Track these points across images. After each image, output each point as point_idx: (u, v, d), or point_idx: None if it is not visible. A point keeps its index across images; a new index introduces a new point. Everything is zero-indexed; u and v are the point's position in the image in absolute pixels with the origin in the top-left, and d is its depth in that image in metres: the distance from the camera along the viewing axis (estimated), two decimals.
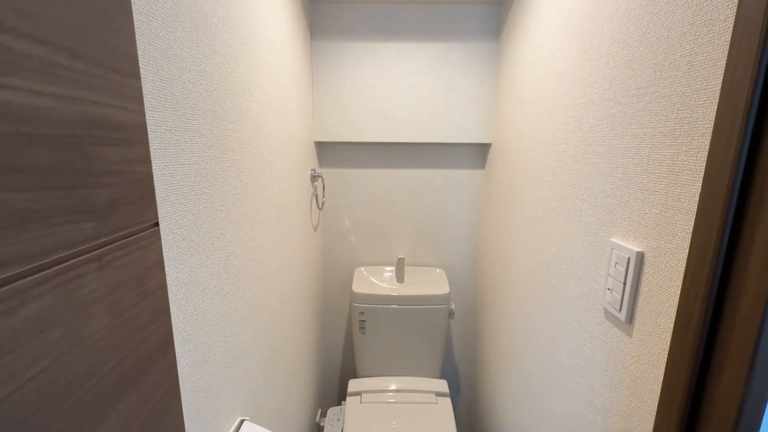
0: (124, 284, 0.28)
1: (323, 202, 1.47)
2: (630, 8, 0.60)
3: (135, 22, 0.41)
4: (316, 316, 1.53)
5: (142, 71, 0.43)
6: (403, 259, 1.48)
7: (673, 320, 0.46)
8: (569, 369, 0.77)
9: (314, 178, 1.38)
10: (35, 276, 0.20)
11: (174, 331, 0.49)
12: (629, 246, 0.58)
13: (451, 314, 1.46)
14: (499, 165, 1.33)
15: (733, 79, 0.36)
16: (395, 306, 1.41)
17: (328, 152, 1.52)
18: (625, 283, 0.59)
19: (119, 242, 0.27)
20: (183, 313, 0.52)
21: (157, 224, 0.32)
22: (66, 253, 0.22)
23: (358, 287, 1.44)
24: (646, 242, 0.55)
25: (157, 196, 0.46)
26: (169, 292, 0.48)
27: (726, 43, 0.41)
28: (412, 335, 1.45)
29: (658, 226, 0.53)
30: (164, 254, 0.48)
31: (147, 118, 0.44)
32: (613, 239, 0.63)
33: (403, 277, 1.51)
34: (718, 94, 0.42)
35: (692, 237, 0.42)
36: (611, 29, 0.65)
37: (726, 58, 0.40)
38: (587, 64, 0.73)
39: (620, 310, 0.60)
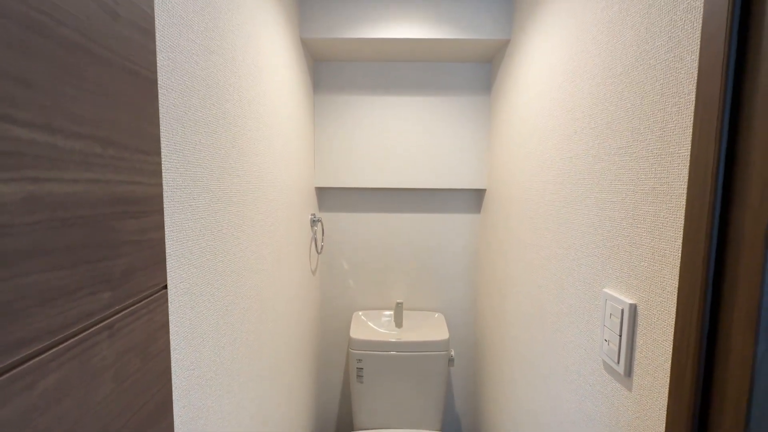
0: (131, 349, 0.29)
1: (322, 246, 1.49)
2: (606, 77, 0.66)
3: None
4: (313, 364, 1.49)
5: (162, 139, 0.46)
6: (401, 303, 1.47)
7: (669, 376, 0.47)
8: (572, 425, 0.75)
9: (314, 222, 1.41)
10: (54, 350, 0.22)
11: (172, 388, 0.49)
12: (622, 297, 0.59)
13: (451, 361, 1.42)
14: (494, 210, 1.37)
15: (699, 150, 0.39)
16: (394, 353, 1.38)
17: (328, 197, 1.56)
18: (621, 335, 0.59)
19: (131, 308, 0.29)
20: (180, 368, 0.52)
21: (165, 287, 0.34)
22: (83, 325, 0.24)
23: (356, 333, 1.42)
24: (638, 294, 0.57)
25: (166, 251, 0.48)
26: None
27: (692, 114, 0.45)
28: (412, 384, 1.41)
29: (647, 279, 0.54)
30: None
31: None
32: (607, 290, 0.64)
33: (401, 322, 1.50)
34: (688, 160, 0.45)
35: (678, 293, 0.43)
36: (590, 94, 0.71)
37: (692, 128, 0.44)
38: (571, 123, 0.78)
39: (618, 362, 0.60)
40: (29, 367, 0.20)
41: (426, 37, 1.21)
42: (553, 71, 0.88)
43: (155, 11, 0.45)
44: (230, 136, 0.68)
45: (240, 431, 0.73)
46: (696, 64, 0.45)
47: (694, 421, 0.40)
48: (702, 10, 0.43)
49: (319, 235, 1.50)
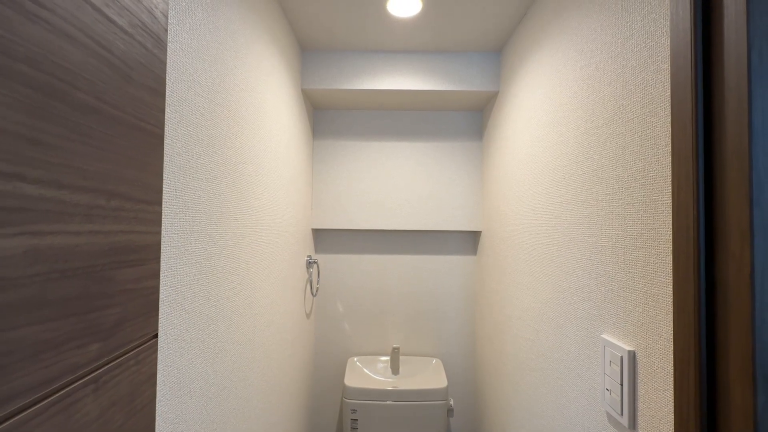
0: (115, 403, 0.28)
1: (317, 288, 1.47)
2: (589, 128, 0.70)
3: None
4: (305, 413, 1.41)
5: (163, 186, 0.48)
6: (398, 348, 1.43)
7: (673, 427, 0.45)
8: None
9: (309, 264, 1.40)
10: (36, 407, 0.21)
11: None
12: (621, 344, 0.59)
13: (450, 411, 1.36)
14: (489, 252, 1.37)
15: (679, 200, 0.41)
16: (390, 402, 1.32)
17: (325, 239, 1.57)
18: (622, 384, 0.58)
19: (118, 360, 0.28)
20: (164, 422, 0.50)
21: (156, 336, 0.33)
22: (68, 379, 0.23)
23: (350, 380, 1.36)
24: (635, 341, 0.56)
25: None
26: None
27: (670, 165, 0.48)
28: None
29: (643, 325, 0.54)
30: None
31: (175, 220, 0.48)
32: (605, 336, 0.63)
33: (398, 369, 1.44)
34: (671, 208, 0.47)
35: (674, 340, 0.43)
36: (576, 143, 0.74)
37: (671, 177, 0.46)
38: (560, 169, 0.81)
39: (622, 414, 0.58)
40: (11, 425, 0.19)
41: (418, 89, 1.28)
42: (539, 121, 0.93)
43: (167, 69, 0.49)
44: (230, 181, 0.70)
45: None
46: (669, 120, 0.48)
47: None
48: (669, 72, 0.47)
49: (314, 277, 1.49)
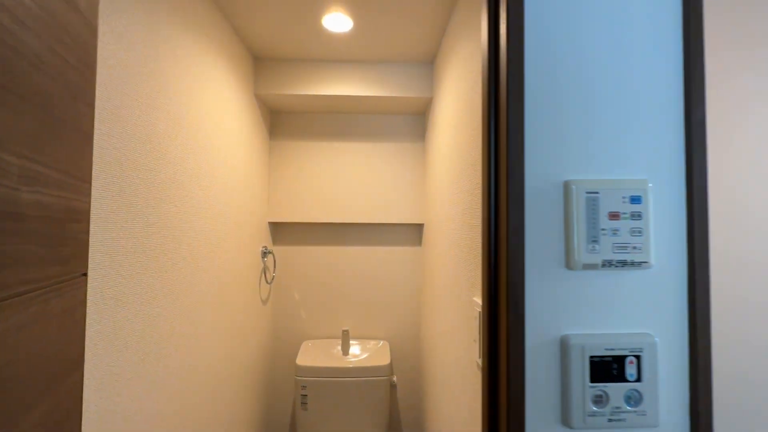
0: (66, 310, 0.41)
1: (273, 276, 1.59)
2: (467, 130, 0.85)
3: (97, 140, 0.60)
4: (262, 392, 1.53)
5: (98, 172, 0.61)
6: (347, 331, 1.56)
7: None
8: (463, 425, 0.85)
9: (264, 254, 1.52)
10: (22, 297, 0.34)
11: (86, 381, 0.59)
12: (479, 302, 0.74)
13: (393, 386, 1.49)
14: (429, 242, 1.52)
15: (482, 196, 0.56)
16: (337, 378, 1.45)
17: (282, 232, 1.69)
18: (480, 336, 0.73)
19: (72, 281, 0.41)
20: (100, 364, 0.62)
21: (85, 274, 0.46)
22: (35, 286, 0.37)
23: (302, 360, 1.49)
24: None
25: (95, 262, 0.60)
26: (90, 341, 0.59)
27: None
28: (355, 409, 1.46)
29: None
30: (93, 307, 0.60)
31: (97, 204, 0.60)
32: (474, 298, 0.78)
33: (348, 350, 1.57)
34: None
35: (487, 296, 0.58)
36: (466, 143, 0.90)
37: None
38: (457, 164, 0.97)
39: (479, 359, 0.72)
40: (4, 305, 0.32)
41: (362, 94, 1.43)
42: (448, 124, 1.08)
43: (102, 76, 0.62)
44: (170, 173, 0.83)
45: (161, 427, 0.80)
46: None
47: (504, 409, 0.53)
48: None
49: (270, 266, 1.61)
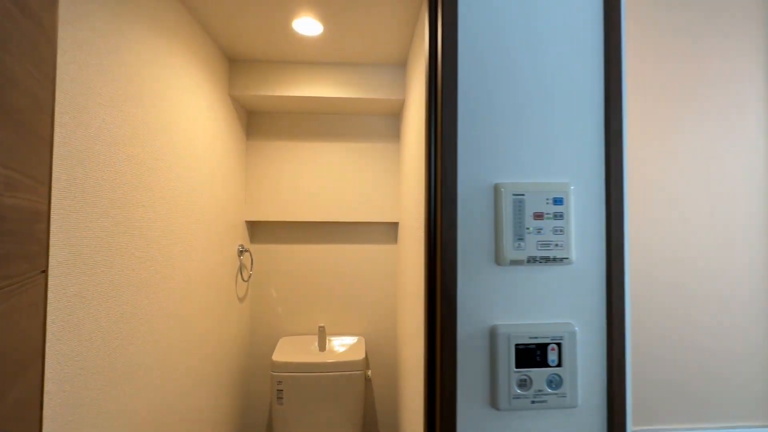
0: (33, 303, 0.44)
1: (250, 275, 1.62)
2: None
3: (58, 143, 0.62)
4: (239, 388, 1.55)
5: (59, 173, 0.63)
6: (323, 327, 1.60)
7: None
8: None
9: (241, 252, 1.55)
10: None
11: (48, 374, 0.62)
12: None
13: (368, 381, 1.54)
14: (403, 240, 1.56)
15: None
16: (312, 373, 1.49)
17: (260, 230, 1.72)
18: None
19: (32, 277, 0.44)
20: (64, 356, 0.64)
21: (44, 271, 0.49)
22: (12, 281, 0.39)
23: (278, 356, 1.52)
24: None
25: (57, 260, 0.63)
26: (53, 336, 0.62)
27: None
28: (330, 404, 1.50)
29: None
30: (55, 303, 0.63)
31: (60, 204, 0.63)
32: None
33: (324, 346, 1.61)
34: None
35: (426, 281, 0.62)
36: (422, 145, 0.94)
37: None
38: (418, 164, 1.01)
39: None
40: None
41: (337, 96, 1.46)
42: (415, 126, 1.12)
43: (63, 81, 0.64)
44: (136, 174, 0.85)
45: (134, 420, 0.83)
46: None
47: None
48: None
49: (247, 264, 1.64)
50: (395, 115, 1.71)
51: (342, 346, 1.64)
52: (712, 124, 0.62)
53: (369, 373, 1.55)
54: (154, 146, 0.92)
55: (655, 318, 0.61)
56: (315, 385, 1.49)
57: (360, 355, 1.54)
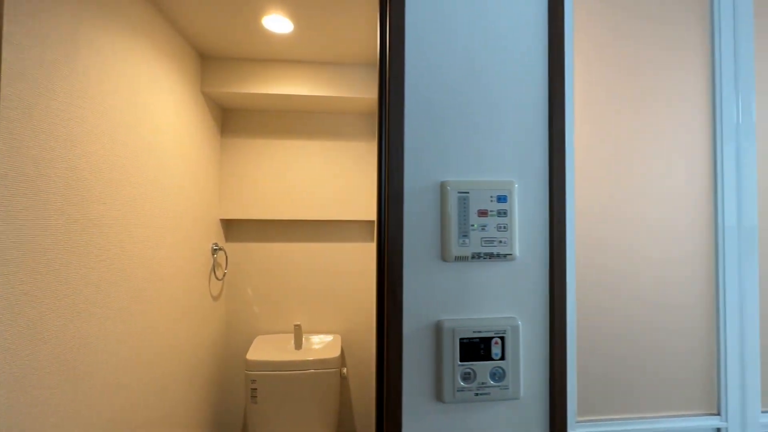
0: None
1: (225, 273, 1.61)
2: None
3: (6, 140, 0.61)
4: (213, 387, 1.54)
5: (7, 170, 0.62)
6: (299, 325, 1.60)
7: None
8: None
9: (215, 251, 1.54)
10: None
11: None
12: None
13: (343, 378, 1.54)
14: None
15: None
16: (286, 372, 1.48)
17: (235, 229, 1.71)
18: None
19: None
20: (15, 359, 0.63)
21: None
22: None
23: (252, 355, 1.51)
24: None
25: (4, 258, 0.62)
26: (0, 336, 0.61)
27: None
28: (305, 402, 1.50)
29: None
30: (2, 302, 0.62)
31: (8, 202, 0.62)
32: None
33: (301, 344, 1.61)
34: None
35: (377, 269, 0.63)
36: None
37: None
38: None
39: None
40: None
41: (310, 94, 1.46)
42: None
43: (12, 76, 0.63)
44: (95, 170, 0.84)
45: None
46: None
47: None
48: None
49: (222, 262, 1.62)
50: (371, 114, 1.72)
51: (318, 344, 1.64)
52: (653, 119, 0.65)
53: (345, 370, 1.56)
54: (114, 143, 0.91)
55: (599, 315, 0.64)
56: (289, 383, 1.49)
57: (335, 353, 1.54)
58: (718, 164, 0.65)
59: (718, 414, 0.63)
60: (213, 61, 1.44)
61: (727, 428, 0.63)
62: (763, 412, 0.64)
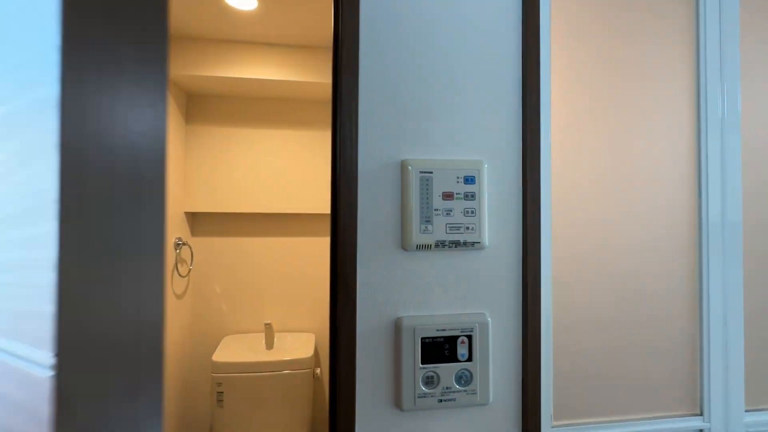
0: None
1: (190, 269, 1.51)
2: None
3: None
4: (181, 390, 1.45)
5: None
6: (270, 324, 1.51)
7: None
8: None
9: (178, 246, 1.44)
10: None
11: None
12: None
13: (316, 378, 1.47)
14: None
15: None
16: (255, 374, 1.40)
17: (201, 223, 1.60)
18: None
19: None
20: None
21: None
22: None
23: (218, 356, 1.42)
24: None
25: None
26: None
27: None
28: (276, 405, 1.42)
29: None
30: None
31: None
32: None
33: (272, 344, 1.52)
34: None
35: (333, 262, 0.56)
36: None
37: None
38: None
39: None
40: None
41: (272, 78, 1.37)
42: None
43: None
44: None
45: None
46: None
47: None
48: None
49: (187, 258, 1.52)
50: None
51: (290, 343, 1.56)
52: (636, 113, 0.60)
53: (318, 371, 1.49)
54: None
55: (577, 310, 0.58)
56: (259, 385, 1.41)
57: (308, 353, 1.47)
58: (703, 156, 0.60)
59: (701, 414, 0.59)
60: (176, 41, 1.33)
61: (710, 429, 0.58)
62: (746, 411, 0.60)
